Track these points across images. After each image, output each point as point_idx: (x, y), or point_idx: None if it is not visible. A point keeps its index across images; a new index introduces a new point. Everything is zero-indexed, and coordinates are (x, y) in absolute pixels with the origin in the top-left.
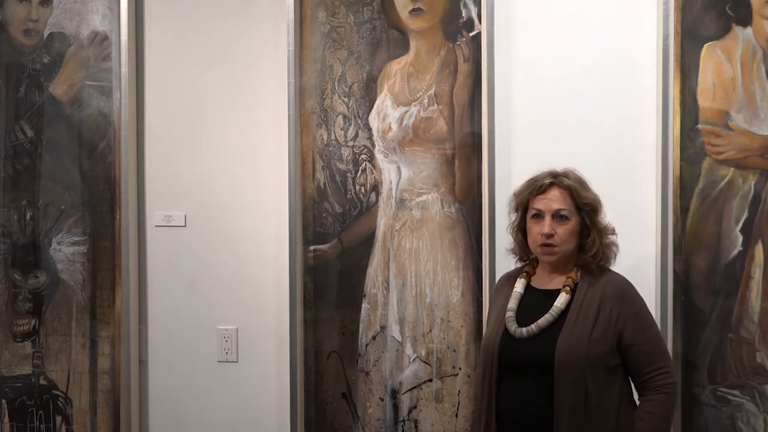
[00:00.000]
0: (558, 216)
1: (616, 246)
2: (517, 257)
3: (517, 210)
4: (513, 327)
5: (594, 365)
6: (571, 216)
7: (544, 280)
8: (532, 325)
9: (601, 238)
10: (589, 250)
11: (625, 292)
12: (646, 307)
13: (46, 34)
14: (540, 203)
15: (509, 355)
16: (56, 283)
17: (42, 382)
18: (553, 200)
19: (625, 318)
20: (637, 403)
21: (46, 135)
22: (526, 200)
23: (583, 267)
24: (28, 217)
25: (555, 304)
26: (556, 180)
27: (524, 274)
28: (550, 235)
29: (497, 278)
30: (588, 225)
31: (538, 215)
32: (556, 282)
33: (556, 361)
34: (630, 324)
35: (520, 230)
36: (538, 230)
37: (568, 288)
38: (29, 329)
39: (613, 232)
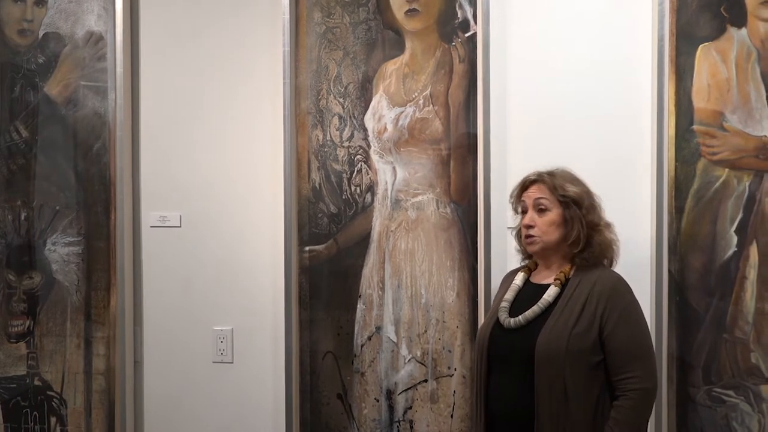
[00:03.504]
0: (539, 207)
1: (616, 243)
2: (524, 257)
3: (516, 211)
4: (503, 317)
5: (574, 360)
6: (551, 207)
7: (541, 275)
8: (519, 317)
9: (587, 232)
10: (574, 243)
11: (615, 288)
12: (638, 307)
13: (41, 34)
14: (525, 197)
15: (496, 346)
16: (51, 283)
17: (36, 383)
18: (534, 192)
19: (609, 313)
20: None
21: (41, 135)
22: (517, 199)
23: (578, 263)
24: (22, 217)
25: (544, 296)
26: (538, 177)
27: (525, 269)
28: (530, 226)
29: (492, 278)
30: (570, 217)
31: (524, 210)
32: (551, 276)
33: (536, 354)
34: (613, 320)
35: (519, 231)
36: (522, 223)
37: (558, 281)
38: (24, 330)
39: (608, 228)
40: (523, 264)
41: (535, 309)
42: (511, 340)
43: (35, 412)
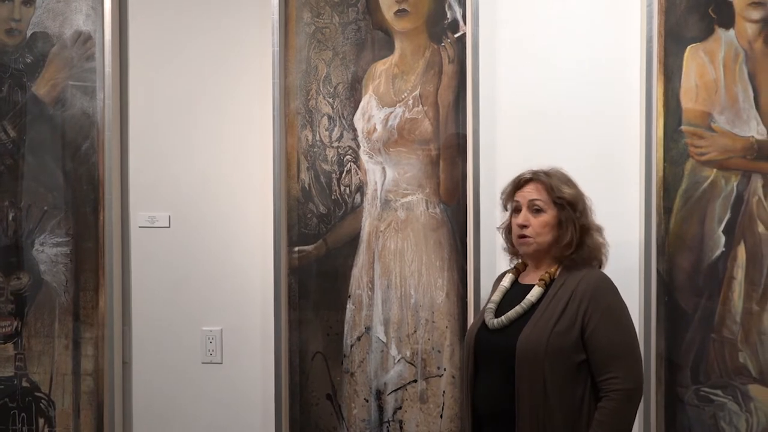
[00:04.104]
0: (533, 208)
1: (605, 247)
2: (510, 255)
3: (505, 208)
4: (489, 317)
5: (555, 359)
6: (546, 208)
7: (529, 276)
8: (503, 317)
9: (579, 234)
10: (567, 245)
11: (599, 287)
12: (622, 307)
13: (29, 33)
14: (518, 196)
15: (482, 346)
16: (39, 284)
17: (24, 384)
18: (530, 192)
19: (591, 312)
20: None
21: (29, 135)
22: (510, 196)
23: (564, 263)
24: (10, 218)
25: (527, 296)
26: (534, 176)
27: (514, 270)
28: (524, 226)
29: (482, 279)
30: (564, 219)
31: (517, 209)
32: (537, 277)
33: (517, 352)
34: (595, 319)
35: (508, 229)
36: (516, 222)
37: (543, 282)
38: (11, 331)
39: (598, 231)
40: (512, 265)
41: (517, 309)
42: (494, 341)
43: (23, 414)
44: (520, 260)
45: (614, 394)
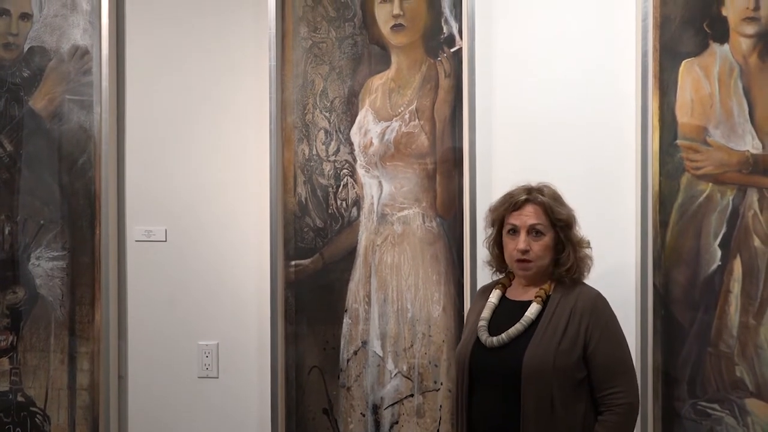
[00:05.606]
0: (533, 231)
1: (591, 259)
2: (494, 270)
3: (493, 225)
4: (484, 336)
5: (561, 376)
6: (546, 231)
7: (518, 292)
8: (502, 335)
9: (576, 252)
10: (564, 264)
11: (596, 304)
12: (617, 323)
13: (26, 48)
14: (515, 219)
15: (479, 364)
16: (35, 298)
17: (20, 398)
18: (528, 216)
19: (592, 329)
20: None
21: (26, 149)
22: (501, 216)
23: (557, 280)
24: (6, 232)
25: (526, 314)
26: (530, 196)
27: (500, 285)
28: (525, 251)
29: None
30: (563, 240)
31: (514, 230)
32: (529, 293)
33: (523, 371)
34: (596, 336)
35: (496, 244)
36: (513, 246)
37: (540, 299)
38: (7, 345)
39: (588, 245)
40: (495, 280)
41: (518, 327)
42: (494, 359)
43: (18, 429)
44: (504, 275)
45: (618, 408)
